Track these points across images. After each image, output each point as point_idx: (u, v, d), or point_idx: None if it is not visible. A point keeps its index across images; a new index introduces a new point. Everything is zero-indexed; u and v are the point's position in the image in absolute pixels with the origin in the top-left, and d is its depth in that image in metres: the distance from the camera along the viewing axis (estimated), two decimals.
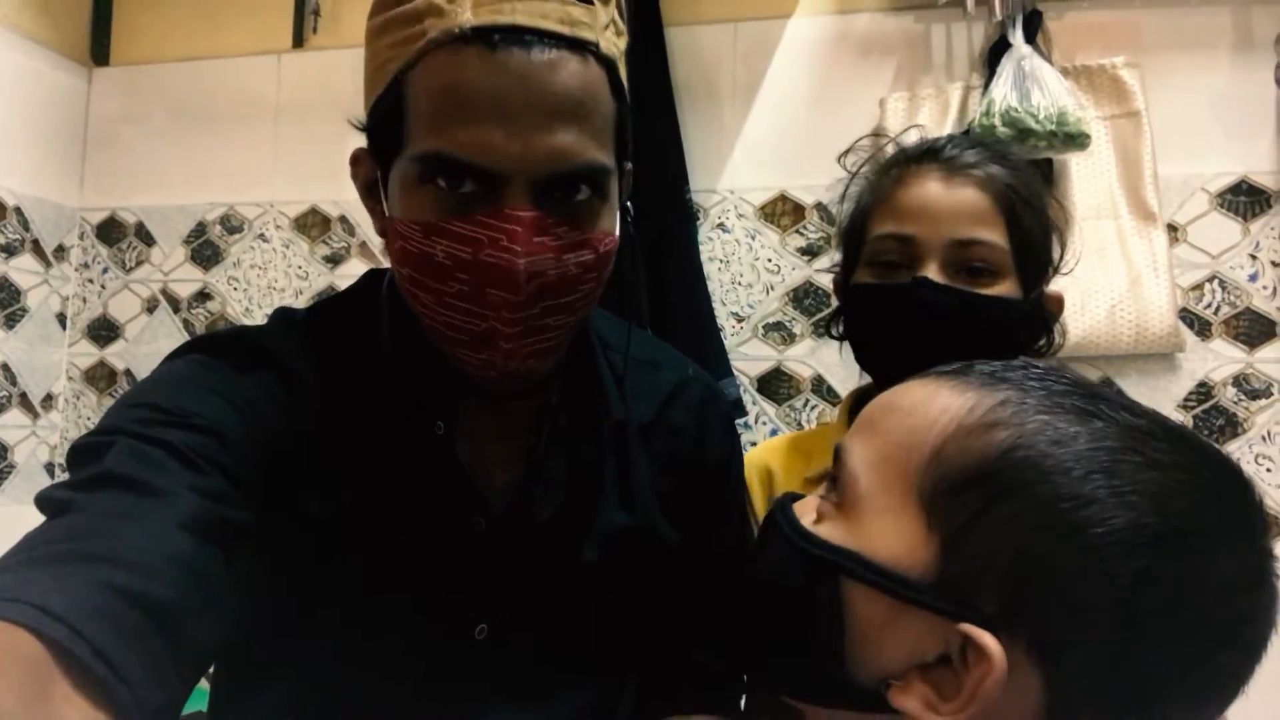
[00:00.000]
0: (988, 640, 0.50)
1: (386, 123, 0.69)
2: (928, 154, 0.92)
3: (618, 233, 0.73)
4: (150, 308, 2.13)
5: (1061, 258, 0.94)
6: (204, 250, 2.11)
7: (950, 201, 0.88)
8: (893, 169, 0.93)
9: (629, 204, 0.79)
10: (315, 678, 0.74)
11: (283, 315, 0.80)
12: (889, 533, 0.56)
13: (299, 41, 2.08)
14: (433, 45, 0.65)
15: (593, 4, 0.68)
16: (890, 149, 0.97)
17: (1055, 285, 1.52)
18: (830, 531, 0.57)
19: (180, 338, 2.09)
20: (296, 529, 0.70)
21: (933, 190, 0.89)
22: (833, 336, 1.00)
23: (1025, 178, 0.92)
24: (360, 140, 0.74)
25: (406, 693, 0.74)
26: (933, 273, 0.86)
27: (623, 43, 0.73)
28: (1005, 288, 0.87)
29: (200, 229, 2.11)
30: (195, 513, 0.58)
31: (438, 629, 0.74)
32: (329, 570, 0.72)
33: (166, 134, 2.13)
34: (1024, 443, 0.52)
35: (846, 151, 1.01)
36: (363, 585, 0.73)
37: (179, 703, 0.54)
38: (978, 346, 0.87)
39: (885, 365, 0.91)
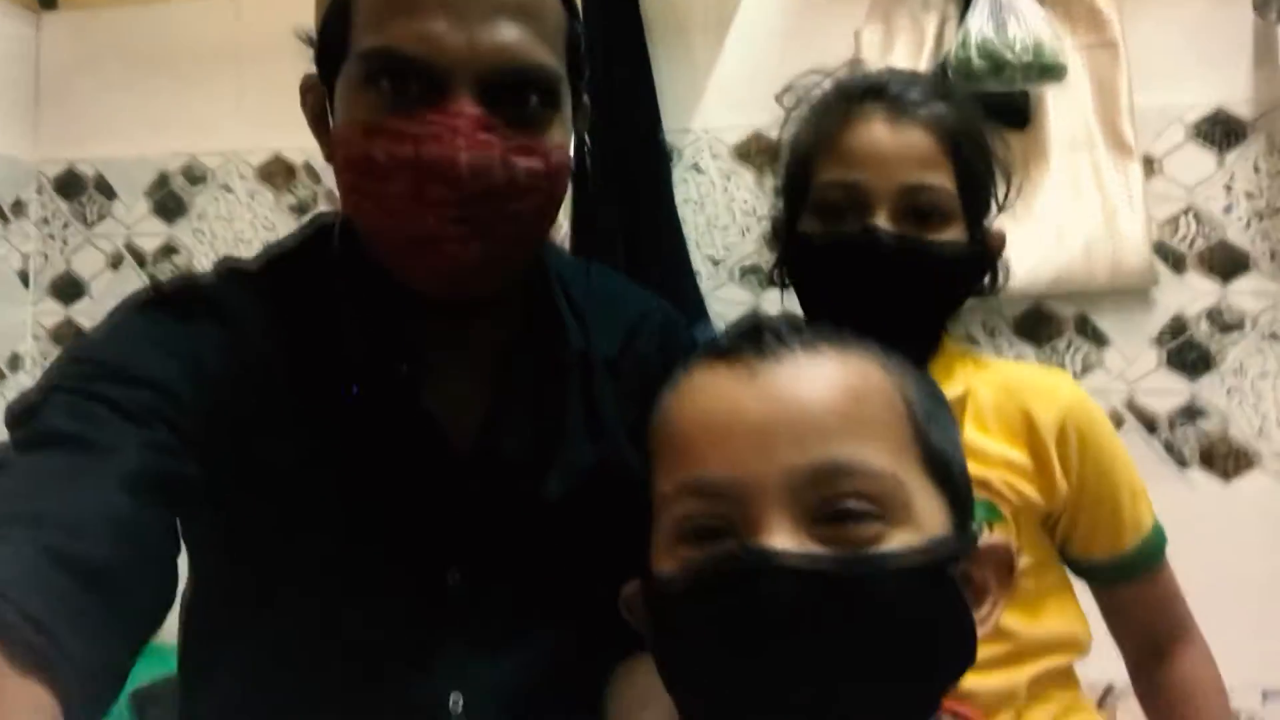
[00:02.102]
0: (1003, 538, 0.56)
1: (333, 34, 0.68)
2: (871, 92, 0.89)
3: (572, 152, 0.72)
4: (115, 263, 2.08)
5: (1006, 195, 0.93)
6: (167, 203, 2.05)
7: (898, 145, 0.85)
8: (834, 107, 0.90)
9: (586, 138, 0.78)
10: (286, 633, 0.72)
11: (229, 265, 0.78)
12: (927, 501, 0.55)
13: None
14: None
15: None
16: (829, 85, 0.94)
17: (1031, 223, 1.52)
18: (906, 537, 0.53)
19: None
20: (256, 482, 0.68)
21: (879, 133, 0.86)
22: (775, 284, 0.98)
23: (969, 115, 0.90)
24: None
25: (380, 642, 0.73)
26: (882, 220, 0.85)
27: None
28: (954, 231, 0.87)
29: (162, 180, 2.05)
30: (137, 469, 0.57)
31: (409, 576, 0.73)
32: (294, 522, 0.70)
33: (123, 81, 2.06)
34: (910, 367, 0.60)
35: (785, 89, 0.98)
36: (330, 535, 0.71)
37: (122, 668, 0.53)
38: (926, 293, 0.88)
39: (835, 315, 0.89)
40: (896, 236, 0.84)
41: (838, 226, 0.87)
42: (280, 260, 0.78)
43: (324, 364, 0.72)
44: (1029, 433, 0.89)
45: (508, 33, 0.64)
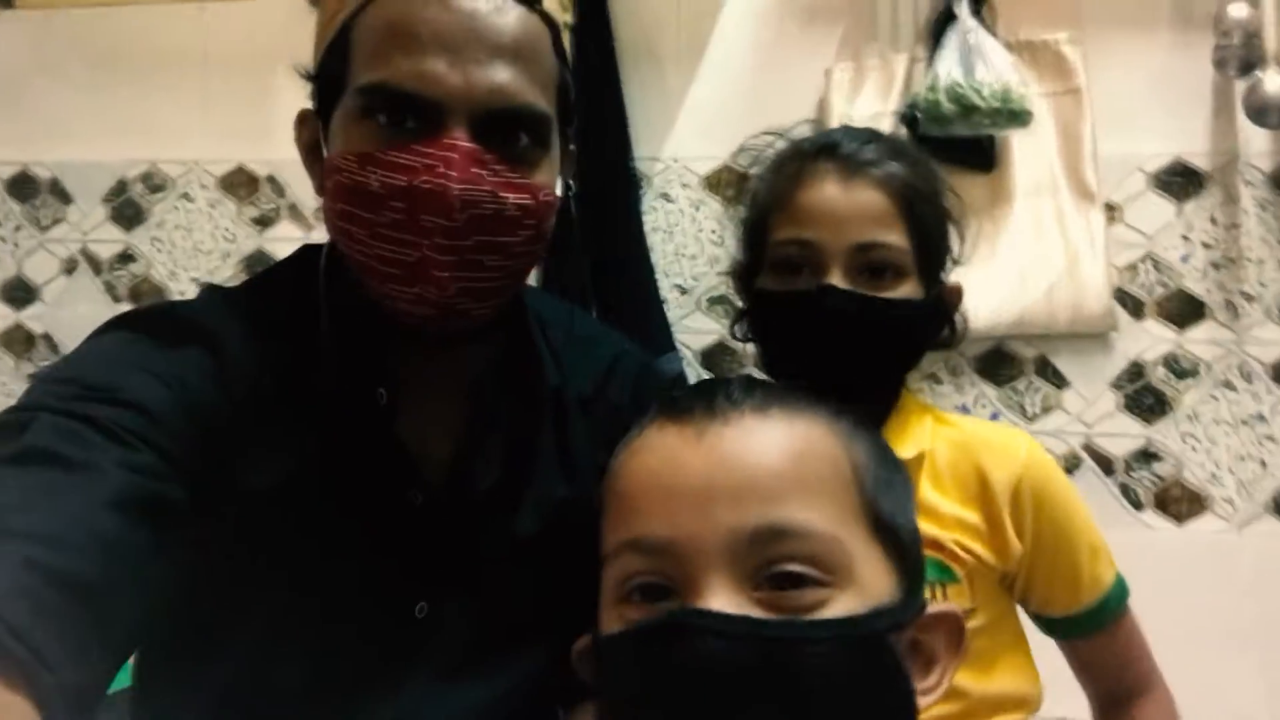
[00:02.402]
0: (953, 607, 0.57)
1: (332, 69, 0.71)
2: (824, 151, 0.90)
3: (559, 192, 0.74)
4: (69, 269, 2.03)
5: (960, 249, 0.94)
6: (125, 209, 2.01)
7: (850, 204, 0.87)
8: (789, 166, 0.92)
9: (572, 184, 0.78)
10: (252, 659, 0.71)
11: (212, 290, 0.79)
12: (873, 567, 0.55)
13: None
14: None
15: None
16: (782, 144, 0.95)
17: (995, 266, 1.55)
18: (849, 603, 0.53)
19: (102, 300, 2.00)
20: (233, 506, 0.68)
21: (831, 193, 0.87)
22: (737, 339, 0.99)
23: (924, 172, 0.91)
24: (302, 101, 0.75)
25: (346, 673, 0.72)
26: (836, 278, 0.85)
27: (566, 18, 0.75)
28: (908, 287, 0.87)
29: (121, 186, 2.01)
30: (121, 488, 0.57)
31: (378, 608, 0.73)
32: (266, 548, 0.70)
33: (82, 84, 2.02)
34: (863, 431, 0.60)
35: (739, 151, 1.00)
36: (300, 563, 0.71)
37: (103, 683, 0.53)
38: (883, 348, 0.88)
39: (794, 371, 0.90)
40: (849, 294, 0.85)
41: (793, 284, 0.88)
42: (264, 286, 0.79)
43: (303, 390, 0.72)
44: (982, 493, 0.89)
45: (502, 74, 0.67)
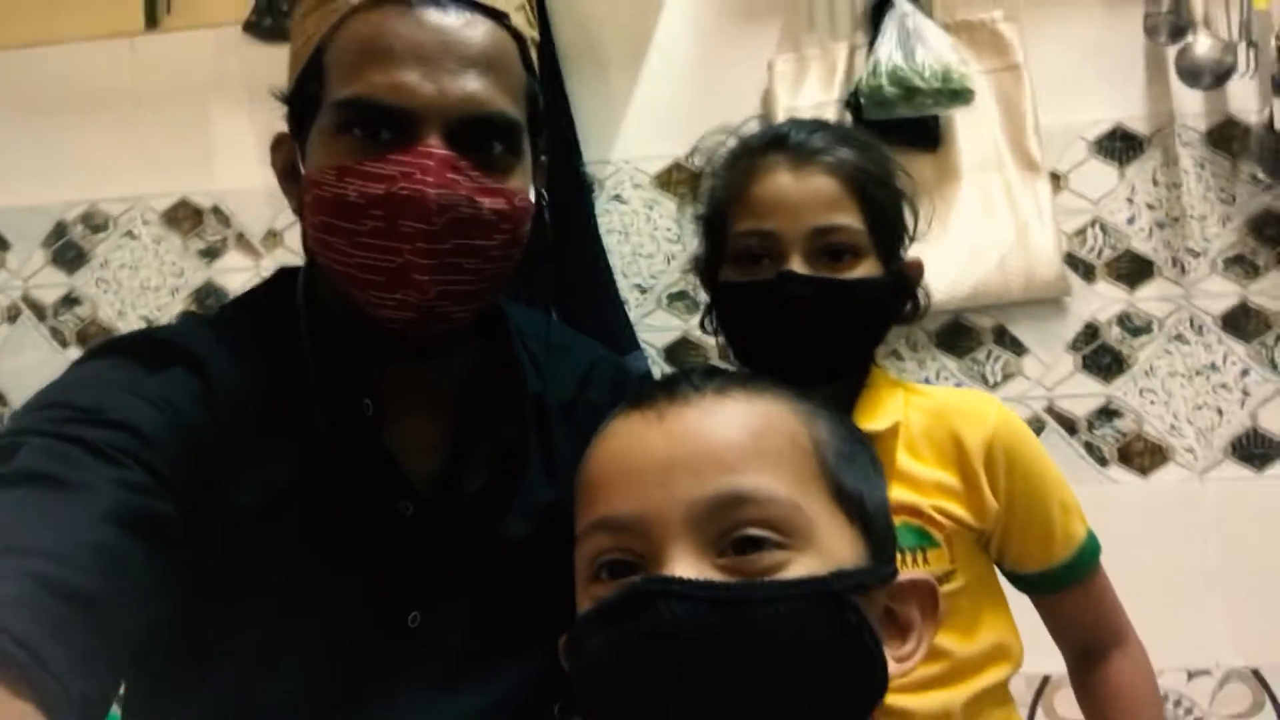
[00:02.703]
0: (927, 575, 0.59)
1: (307, 90, 0.72)
2: (774, 143, 0.93)
3: (532, 198, 0.75)
4: (11, 316, 1.97)
5: (915, 226, 0.97)
6: (66, 252, 1.96)
7: (803, 191, 0.89)
8: (741, 161, 0.94)
9: (544, 193, 0.81)
10: (245, 674, 0.71)
11: (190, 315, 0.80)
12: (837, 533, 0.56)
13: (152, 22, 1.93)
14: (352, 10, 0.70)
15: None
16: (733, 141, 0.98)
17: (947, 241, 1.58)
18: (811, 565, 0.54)
19: (48, 347, 1.95)
20: (223, 523, 0.68)
21: (784, 181, 0.90)
22: (707, 332, 1.01)
23: (873, 155, 0.94)
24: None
25: (340, 686, 0.73)
26: (796, 264, 0.88)
27: (533, 33, 0.76)
28: (867, 266, 0.90)
29: (60, 229, 1.96)
30: (115, 505, 0.58)
31: (370, 620, 0.73)
32: (257, 564, 0.70)
33: (11, 128, 1.96)
34: (825, 411, 0.62)
35: (691, 152, 1.03)
36: (292, 578, 0.71)
37: (109, 694, 0.53)
38: (847, 328, 0.91)
39: (762, 359, 0.93)
40: (810, 279, 0.87)
41: (755, 274, 0.90)
42: (243, 309, 0.81)
43: (289, 406, 0.73)
44: (958, 455, 0.92)
45: (474, 83, 0.69)
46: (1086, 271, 1.67)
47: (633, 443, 0.58)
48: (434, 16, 0.69)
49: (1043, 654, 1.00)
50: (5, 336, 1.97)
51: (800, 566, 0.53)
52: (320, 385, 0.74)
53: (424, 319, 0.71)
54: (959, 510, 0.91)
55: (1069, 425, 1.66)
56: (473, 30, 0.70)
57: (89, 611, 0.51)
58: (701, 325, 1.03)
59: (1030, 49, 1.65)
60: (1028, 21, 1.66)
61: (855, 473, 0.60)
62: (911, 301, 0.99)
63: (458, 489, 0.77)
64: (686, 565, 0.52)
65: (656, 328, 1.79)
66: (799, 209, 0.89)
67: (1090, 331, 1.67)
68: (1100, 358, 1.66)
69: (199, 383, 0.71)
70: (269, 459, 0.72)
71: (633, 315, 1.77)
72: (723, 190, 0.95)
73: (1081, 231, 1.67)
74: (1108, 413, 1.66)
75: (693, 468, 0.55)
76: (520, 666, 0.79)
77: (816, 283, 0.88)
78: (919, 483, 0.91)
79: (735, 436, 0.56)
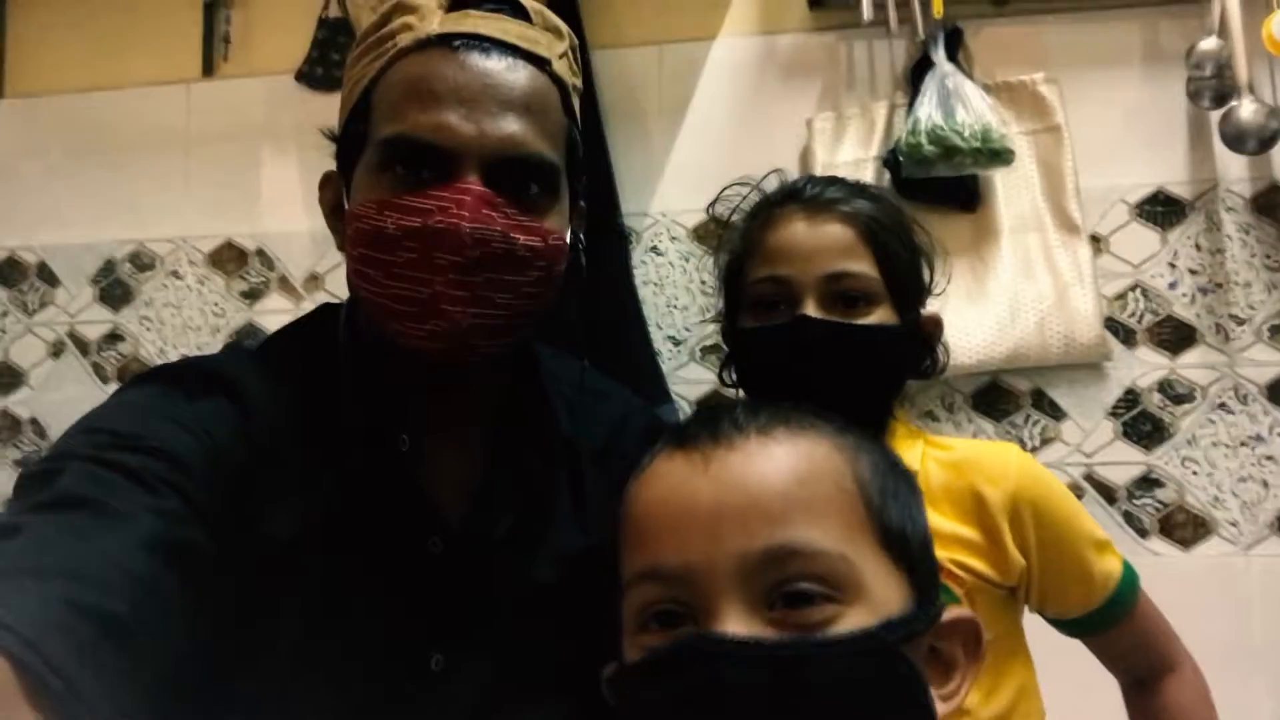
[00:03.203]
0: (970, 613, 0.58)
1: (354, 129, 0.75)
2: (790, 196, 0.95)
3: (568, 239, 0.77)
4: (56, 352, 2.02)
5: (932, 280, 0.98)
6: (113, 290, 2.01)
7: (817, 238, 0.91)
8: (759, 213, 0.97)
9: (581, 237, 0.83)
10: (264, 711, 0.71)
11: (234, 346, 0.82)
12: (883, 580, 0.56)
13: (209, 70, 2.00)
14: (400, 53, 0.73)
15: (550, 32, 0.76)
16: (755, 196, 1.00)
17: (985, 302, 1.56)
18: (861, 617, 0.53)
19: (90, 382, 1.99)
20: (253, 553, 0.69)
21: (799, 229, 0.92)
22: (726, 384, 1.02)
23: (887, 208, 0.96)
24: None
25: None
26: (810, 309, 0.89)
27: (575, 80, 0.79)
28: (881, 314, 0.91)
29: (109, 267, 2.01)
30: (151, 532, 0.59)
31: (393, 660, 0.73)
32: (283, 597, 0.71)
33: (69, 169, 2.03)
34: (868, 443, 0.61)
35: (714, 201, 1.04)
36: (315, 610, 0.71)
37: (136, 717, 0.54)
38: (861, 374, 0.90)
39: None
40: (823, 322, 0.88)
41: (770, 320, 0.92)
42: (285, 341, 0.82)
43: (324, 439, 0.74)
44: (978, 510, 0.91)
45: (513, 125, 0.71)
46: (1127, 336, 1.64)
47: (679, 489, 0.58)
48: (478, 60, 0.71)
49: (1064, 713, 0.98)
50: (50, 371, 2.01)
51: (851, 619, 0.52)
52: (356, 418, 0.75)
53: (453, 350, 0.72)
54: (980, 565, 0.89)
55: (1108, 494, 1.63)
56: (514, 74, 0.72)
57: (121, 639, 0.52)
58: (720, 377, 1.03)
59: (1071, 111, 1.65)
60: (1069, 84, 1.67)
61: (898, 508, 0.59)
62: (930, 356, 0.99)
63: (486, 528, 0.77)
64: (737, 621, 0.52)
65: (689, 380, 1.79)
66: (813, 255, 0.90)
67: (1131, 398, 1.64)
68: (1141, 425, 1.63)
69: (238, 413, 0.72)
70: (300, 490, 0.72)
71: (666, 367, 1.77)
72: (740, 242, 0.97)
73: (1122, 296, 1.65)
74: (1148, 482, 1.62)
75: (741, 520, 0.54)
76: (543, 711, 0.78)
77: (830, 326, 0.88)
78: (937, 536, 0.88)
79: (782, 486, 0.56)
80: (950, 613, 0.58)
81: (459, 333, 0.71)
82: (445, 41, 0.72)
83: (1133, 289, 1.65)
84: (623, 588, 0.59)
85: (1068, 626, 0.97)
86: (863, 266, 0.90)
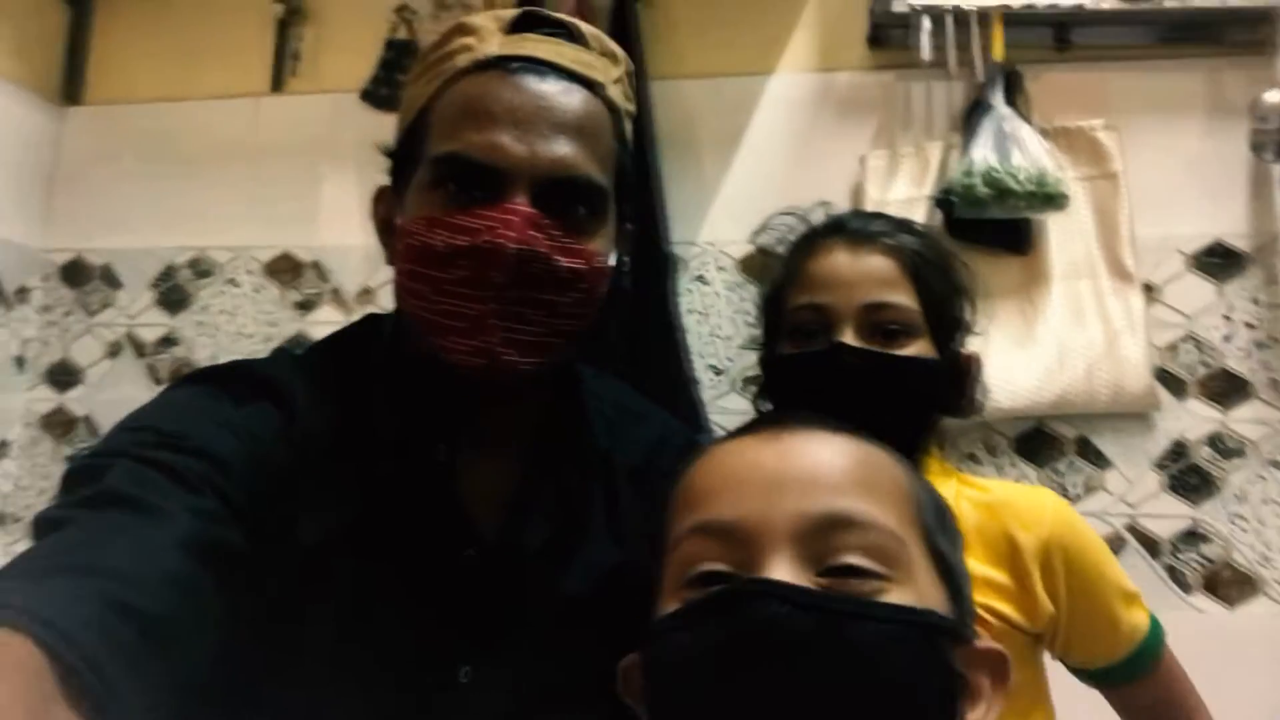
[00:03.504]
0: (998, 645, 0.58)
1: (409, 147, 0.76)
2: (834, 227, 0.96)
3: (612, 262, 0.77)
4: (113, 352, 2.07)
5: (973, 318, 0.98)
6: (171, 294, 2.06)
7: (858, 268, 0.91)
8: (802, 244, 0.97)
9: (626, 260, 0.83)
10: (294, 714, 0.71)
11: (282, 350, 0.84)
12: (929, 580, 0.56)
13: (278, 85, 2.06)
14: (458, 74, 0.74)
15: (605, 57, 0.77)
16: (800, 225, 1.01)
17: (1033, 346, 1.54)
18: (906, 599, 0.54)
19: (144, 383, 2.03)
20: (288, 558, 0.69)
21: (840, 259, 0.92)
22: (761, 412, 1.02)
23: (930, 243, 0.96)
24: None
25: None
26: (848, 337, 0.89)
27: (630, 106, 0.80)
28: (919, 347, 0.90)
29: (169, 273, 2.06)
30: (190, 532, 0.59)
31: (421, 669, 0.73)
32: (315, 602, 0.71)
33: (138, 175, 2.09)
34: (920, 475, 0.62)
35: (761, 229, 1.05)
36: (346, 619, 0.72)
37: (169, 717, 0.55)
38: (896, 405, 0.90)
39: None
40: (861, 350, 0.88)
41: (808, 347, 0.91)
42: (331, 348, 0.83)
43: (363, 446, 0.75)
44: (1011, 554, 0.90)
45: (564, 148, 0.72)
46: (1177, 388, 1.62)
47: (742, 456, 0.59)
48: (532, 83, 0.73)
49: None
50: (107, 370, 2.06)
51: (895, 598, 0.53)
52: (393, 427, 0.76)
53: (492, 368, 0.72)
54: (1008, 610, 0.88)
55: (1151, 546, 1.60)
56: (568, 98, 0.73)
57: (157, 639, 0.53)
58: (755, 405, 1.03)
59: (1129, 158, 1.65)
60: (1128, 131, 1.66)
61: (946, 538, 0.60)
62: (967, 394, 0.98)
63: (520, 539, 0.77)
64: (785, 575, 0.52)
65: (729, 410, 1.79)
66: (853, 285, 0.90)
67: (1178, 450, 1.61)
68: (1188, 478, 1.60)
69: (281, 417, 0.73)
70: (334, 496, 0.73)
71: (706, 396, 1.78)
72: (782, 271, 0.98)
73: (1174, 346, 1.63)
74: (1194, 536, 1.59)
75: (803, 484, 0.55)
76: None
77: (866, 355, 0.88)
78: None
79: (846, 463, 0.57)
80: (980, 642, 0.58)
81: (498, 351, 0.71)
82: (502, 64, 0.73)
83: (1185, 340, 1.63)
84: (668, 549, 0.59)
85: (1090, 677, 0.96)
86: (903, 298, 0.90)
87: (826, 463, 0.57)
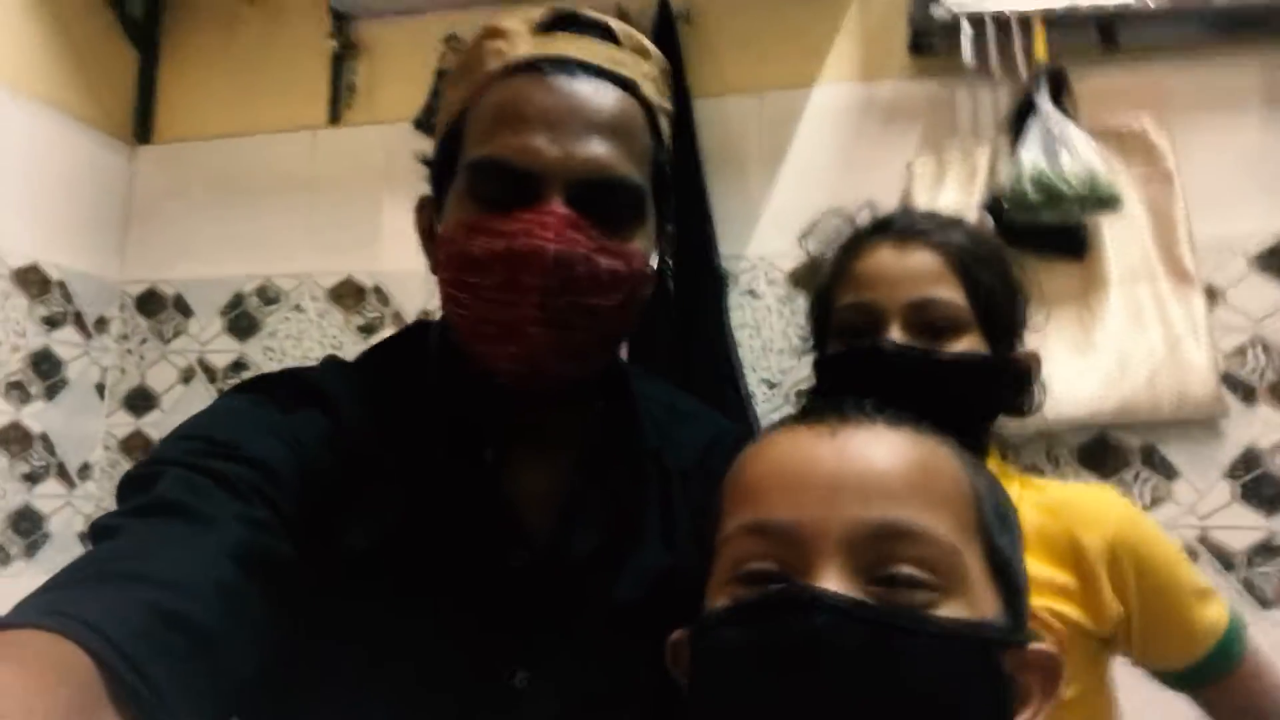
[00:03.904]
0: (1052, 649, 0.56)
1: (447, 154, 0.76)
2: (880, 227, 0.95)
3: (654, 264, 0.76)
4: (186, 378, 2.16)
5: (1028, 316, 0.95)
6: (240, 321, 2.14)
7: (904, 265, 0.90)
8: (849, 245, 0.96)
9: (669, 261, 0.80)
10: (341, 717, 0.72)
11: (332, 358, 0.84)
12: (984, 589, 0.55)
13: (335, 117, 2.14)
14: (490, 78, 0.73)
15: (638, 54, 0.76)
16: (846, 227, 0.99)
17: (1093, 353, 1.49)
18: (958, 611, 0.53)
19: None
20: (335, 565, 0.70)
21: (886, 257, 0.91)
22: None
23: (979, 238, 0.94)
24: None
25: None
26: (895, 334, 0.87)
27: (665, 103, 0.79)
28: (969, 343, 0.88)
29: (237, 300, 2.15)
30: (240, 541, 0.60)
31: (474, 675, 0.73)
32: (364, 608, 0.71)
33: (207, 208, 2.19)
34: (983, 469, 0.60)
35: (807, 233, 1.03)
36: (396, 625, 0.72)
37: None
38: (947, 404, 0.87)
39: None
40: (907, 347, 0.86)
41: (856, 345, 0.90)
42: (379, 356, 0.83)
43: (411, 452, 0.75)
44: (1075, 555, 0.88)
45: (599, 148, 0.71)
46: (1246, 393, 1.56)
47: (799, 452, 0.57)
48: (564, 84, 0.72)
49: None
50: (179, 396, 2.15)
51: (948, 611, 0.52)
52: (443, 432, 0.75)
53: (534, 373, 0.72)
54: (1074, 613, 0.86)
55: (1225, 559, 1.54)
56: (601, 97, 0.72)
57: (206, 649, 0.53)
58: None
59: (1183, 157, 1.60)
60: (1180, 129, 1.61)
61: (1007, 537, 0.59)
62: (1025, 393, 0.95)
63: (571, 545, 0.76)
64: (835, 583, 0.51)
65: None
66: (899, 281, 0.89)
67: (1250, 458, 1.55)
68: (1262, 488, 1.54)
69: (330, 425, 0.73)
70: (382, 501, 0.72)
71: (760, 409, 1.77)
72: (828, 271, 0.97)
73: (1241, 351, 1.57)
74: (1270, 549, 1.52)
75: (860, 490, 0.54)
76: None
77: (913, 352, 0.86)
78: (1031, 582, 0.85)
79: (905, 468, 0.55)
80: (1034, 645, 0.57)
81: (539, 356, 0.71)
82: (533, 65, 0.72)
83: (1252, 344, 1.57)
84: (719, 545, 0.58)
85: (1172, 680, 0.93)
86: (950, 294, 0.88)
87: (885, 466, 0.55)
